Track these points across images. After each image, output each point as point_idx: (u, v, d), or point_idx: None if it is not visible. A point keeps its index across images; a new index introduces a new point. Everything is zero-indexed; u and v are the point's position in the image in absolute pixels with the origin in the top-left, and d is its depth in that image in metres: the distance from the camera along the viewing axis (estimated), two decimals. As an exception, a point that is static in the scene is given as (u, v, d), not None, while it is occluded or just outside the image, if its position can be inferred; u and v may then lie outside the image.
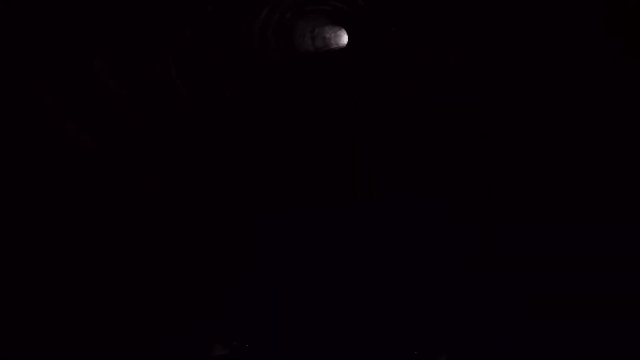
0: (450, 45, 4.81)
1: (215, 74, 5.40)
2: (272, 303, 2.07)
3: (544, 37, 3.15)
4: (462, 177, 3.39)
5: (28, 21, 2.37)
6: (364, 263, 2.38)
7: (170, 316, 1.95)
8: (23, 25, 2.36)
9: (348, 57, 16.73)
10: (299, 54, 14.75)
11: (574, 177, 2.76)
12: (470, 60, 4.48)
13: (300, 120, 5.75)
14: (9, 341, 1.69)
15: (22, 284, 1.98)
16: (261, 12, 8.51)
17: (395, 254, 2.42)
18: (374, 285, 2.20)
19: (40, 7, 2.43)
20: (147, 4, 3.39)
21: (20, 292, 1.93)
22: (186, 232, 2.64)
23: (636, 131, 2.35)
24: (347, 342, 1.81)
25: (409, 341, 1.78)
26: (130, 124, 3.40)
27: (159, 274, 2.23)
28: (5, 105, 2.39)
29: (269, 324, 1.93)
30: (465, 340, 1.79)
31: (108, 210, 2.65)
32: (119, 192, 2.84)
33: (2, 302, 1.85)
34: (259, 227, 2.75)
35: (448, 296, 2.07)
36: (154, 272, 2.26)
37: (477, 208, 2.83)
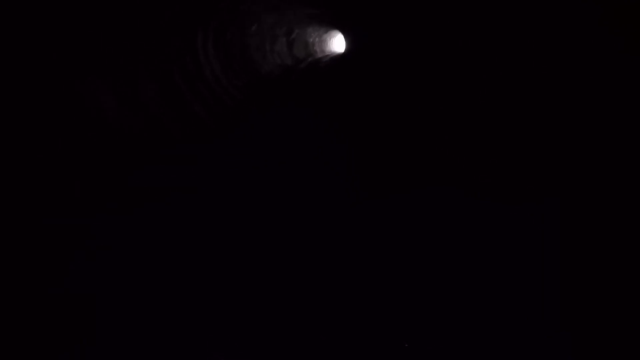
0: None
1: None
2: (268, 307, 2.04)
3: (543, 37, 3.15)
4: (463, 175, 3.34)
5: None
6: (359, 262, 2.34)
7: (166, 324, 1.93)
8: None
9: (344, 74, 10.93)
10: (261, 73, 8.41)
11: (574, 177, 2.74)
12: (470, 60, 4.43)
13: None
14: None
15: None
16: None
17: (390, 252, 2.40)
18: (368, 283, 2.15)
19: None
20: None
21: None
22: (179, 236, 2.66)
23: (636, 131, 2.28)
24: (342, 338, 1.79)
25: (400, 334, 1.77)
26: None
27: (156, 279, 2.24)
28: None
29: (267, 329, 1.90)
30: (458, 337, 1.76)
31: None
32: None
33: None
34: (256, 229, 2.73)
35: (441, 293, 2.05)
36: (151, 276, 2.27)
37: (476, 207, 2.81)
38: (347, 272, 2.26)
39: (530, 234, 2.51)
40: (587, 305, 1.93)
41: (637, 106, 2.25)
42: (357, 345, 1.76)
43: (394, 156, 4.11)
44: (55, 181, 3.09)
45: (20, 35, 3.12)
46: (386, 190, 3.25)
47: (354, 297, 2.05)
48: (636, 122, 2.27)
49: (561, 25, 2.83)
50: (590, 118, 2.62)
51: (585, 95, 2.66)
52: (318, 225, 2.77)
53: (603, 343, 1.73)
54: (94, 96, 3.68)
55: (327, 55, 15.34)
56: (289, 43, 11.40)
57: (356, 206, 2.99)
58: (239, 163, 4.25)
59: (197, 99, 4.80)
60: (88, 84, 3.63)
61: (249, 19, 7.09)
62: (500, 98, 3.77)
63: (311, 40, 13.12)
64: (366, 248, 2.47)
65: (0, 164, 2.80)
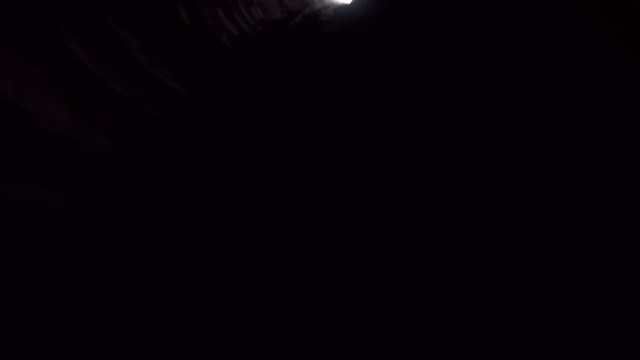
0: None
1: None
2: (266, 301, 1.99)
3: (544, 37, 2.99)
4: (463, 175, 3.24)
5: None
6: (358, 260, 2.27)
7: (157, 316, 1.85)
8: None
9: (354, 32, 8.48)
10: (220, 42, 5.69)
11: (574, 177, 2.61)
12: (469, 59, 4.27)
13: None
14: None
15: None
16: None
17: (388, 251, 2.33)
18: (371, 279, 2.09)
19: None
20: None
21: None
22: (180, 232, 2.55)
23: (636, 131, 2.21)
24: (341, 338, 1.75)
25: (400, 334, 1.69)
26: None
27: (150, 274, 2.15)
28: None
29: (264, 323, 1.85)
30: (459, 337, 1.69)
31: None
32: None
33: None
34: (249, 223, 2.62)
35: (440, 292, 1.98)
36: (145, 271, 2.18)
37: (477, 207, 2.67)
38: (346, 269, 2.16)
39: (530, 234, 2.40)
40: (590, 306, 1.86)
41: (637, 106, 2.12)
42: (357, 346, 1.71)
43: (400, 153, 3.86)
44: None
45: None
46: (387, 189, 3.11)
47: (355, 292, 1.99)
48: (636, 122, 2.14)
49: (561, 25, 2.67)
50: (590, 118, 2.47)
51: (585, 95, 2.51)
52: (316, 226, 2.62)
53: (605, 344, 1.68)
54: None
55: (329, 6, 12.39)
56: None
57: (354, 206, 2.82)
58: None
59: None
60: None
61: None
62: (499, 97, 3.53)
63: (309, -13, 10.37)
64: (365, 247, 2.40)
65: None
